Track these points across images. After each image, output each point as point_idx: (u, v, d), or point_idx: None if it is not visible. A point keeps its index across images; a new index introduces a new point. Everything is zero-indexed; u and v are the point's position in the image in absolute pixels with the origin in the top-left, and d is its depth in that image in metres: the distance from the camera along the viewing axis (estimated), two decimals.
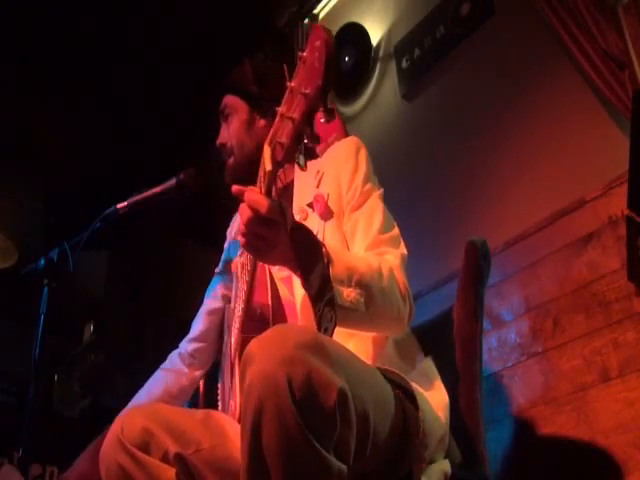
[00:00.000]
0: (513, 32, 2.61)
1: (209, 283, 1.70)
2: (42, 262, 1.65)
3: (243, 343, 1.23)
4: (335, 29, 3.44)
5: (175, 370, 1.61)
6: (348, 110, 3.30)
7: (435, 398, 1.23)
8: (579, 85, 2.29)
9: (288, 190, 1.47)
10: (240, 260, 1.41)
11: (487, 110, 2.63)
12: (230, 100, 1.57)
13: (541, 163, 2.36)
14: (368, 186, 1.38)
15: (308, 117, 0.99)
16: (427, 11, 2.99)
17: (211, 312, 1.63)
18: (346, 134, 1.60)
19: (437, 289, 2.45)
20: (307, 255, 1.10)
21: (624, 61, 2.11)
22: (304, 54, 1.01)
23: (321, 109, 1.00)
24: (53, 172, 3.80)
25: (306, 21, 3.58)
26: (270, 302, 1.29)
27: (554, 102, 2.39)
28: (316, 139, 1.01)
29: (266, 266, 1.33)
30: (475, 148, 2.62)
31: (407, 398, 1.14)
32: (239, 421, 1.20)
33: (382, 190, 1.41)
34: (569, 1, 2.27)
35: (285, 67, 1.09)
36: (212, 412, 1.28)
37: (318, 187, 1.41)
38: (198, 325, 1.64)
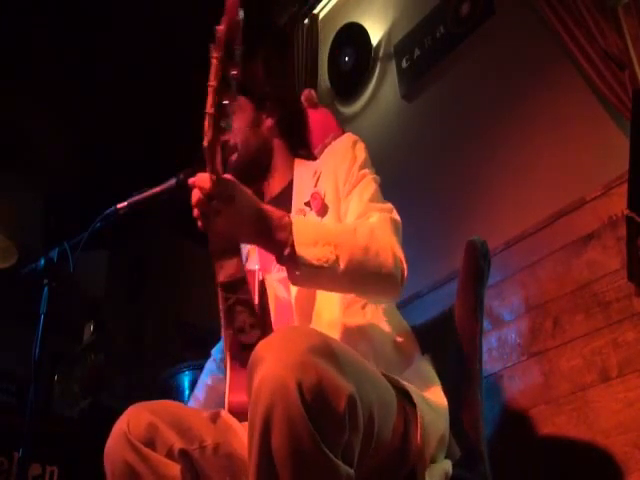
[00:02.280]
0: (513, 32, 2.61)
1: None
2: (42, 262, 1.65)
3: (227, 339, 1.24)
4: (335, 29, 3.45)
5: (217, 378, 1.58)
6: (348, 110, 3.30)
7: (434, 401, 1.23)
8: (579, 85, 2.29)
9: (287, 192, 1.47)
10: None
11: (487, 110, 2.63)
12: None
13: (541, 163, 2.37)
14: (363, 171, 1.40)
15: (222, 79, 1.00)
16: (427, 11, 2.99)
17: None
18: (344, 131, 1.61)
19: (437, 289, 2.45)
20: (262, 230, 1.12)
21: (624, 61, 2.11)
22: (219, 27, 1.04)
23: (234, 68, 1.00)
24: (53, 172, 3.80)
25: (306, 21, 3.57)
26: (257, 301, 1.30)
27: (554, 102, 2.39)
28: (234, 97, 1.01)
29: (256, 267, 1.35)
30: (475, 148, 2.62)
31: (407, 400, 1.14)
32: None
33: (377, 177, 1.42)
34: (569, 1, 2.27)
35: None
36: (222, 411, 1.27)
37: (316, 186, 1.42)
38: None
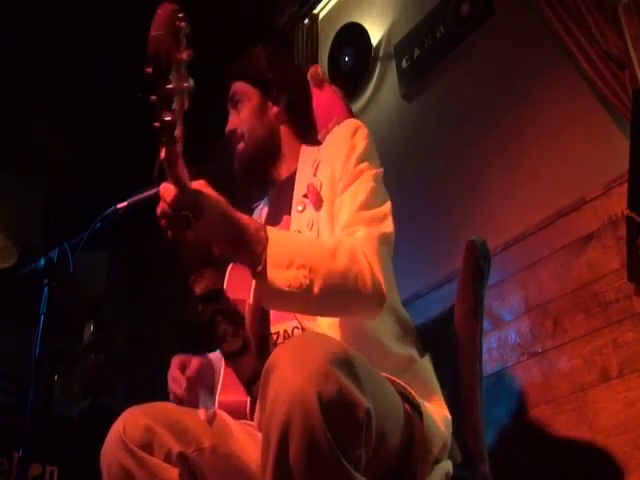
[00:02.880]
0: (513, 32, 2.60)
1: None
2: (42, 262, 1.65)
3: None
4: (335, 29, 3.45)
5: None
6: None
7: (436, 410, 1.22)
8: (579, 85, 2.29)
9: (290, 181, 1.44)
10: None
11: (487, 110, 2.63)
12: (240, 86, 1.52)
13: (541, 163, 2.36)
14: (361, 166, 1.32)
15: (155, 65, 0.94)
16: (427, 11, 2.99)
17: None
18: (350, 115, 1.55)
19: (437, 289, 2.45)
20: (234, 242, 1.09)
21: (624, 61, 2.10)
22: None
23: (162, 79, 0.99)
24: (53, 172, 3.80)
25: (306, 21, 3.57)
26: (252, 300, 1.28)
27: (554, 102, 2.39)
28: (169, 79, 0.99)
29: None
30: (475, 148, 2.62)
31: (411, 407, 1.14)
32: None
33: (377, 170, 1.35)
34: (569, 1, 2.27)
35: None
36: (219, 411, 1.27)
37: (315, 175, 1.37)
38: None
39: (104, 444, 1.17)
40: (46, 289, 1.62)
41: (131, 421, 1.16)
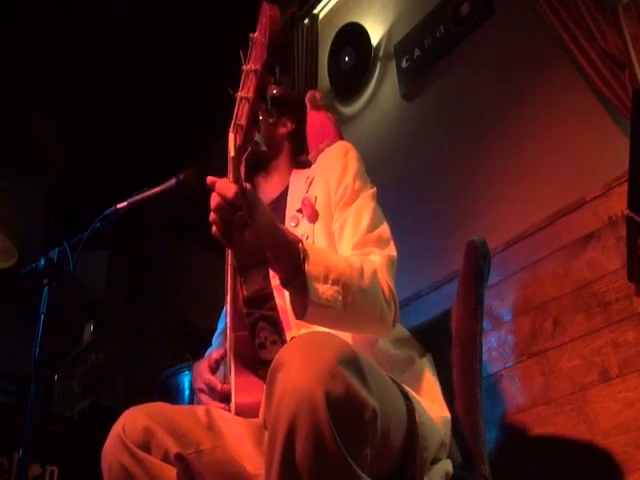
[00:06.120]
0: (513, 32, 2.61)
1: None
2: (42, 262, 1.65)
3: (236, 341, 1.22)
4: (335, 29, 3.45)
5: None
6: (348, 110, 3.30)
7: (434, 409, 1.23)
8: (579, 85, 2.29)
9: (282, 198, 1.47)
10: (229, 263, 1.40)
11: (487, 110, 2.63)
12: None
13: (541, 163, 2.37)
14: (358, 184, 1.37)
15: (260, 94, 1.00)
16: (427, 11, 2.99)
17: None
18: (341, 138, 1.61)
19: (437, 289, 2.45)
20: (275, 250, 1.10)
21: (624, 61, 2.11)
22: (254, 35, 1.04)
23: (272, 83, 1.00)
24: (53, 172, 3.81)
25: (306, 21, 3.57)
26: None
27: (554, 102, 2.39)
28: (271, 114, 1.02)
29: None
30: (475, 148, 2.62)
31: (409, 405, 1.14)
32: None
33: (374, 189, 1.40)
34: (569, 1, 2.27)
35: (241, 51, 1.08)
36: (212, 411, 1.27)
37: (307, 191, 1.41)
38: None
39: (105, 444, 1.18)
40: (46, 289, 1.62)
41: (130, 421, 1.17)
